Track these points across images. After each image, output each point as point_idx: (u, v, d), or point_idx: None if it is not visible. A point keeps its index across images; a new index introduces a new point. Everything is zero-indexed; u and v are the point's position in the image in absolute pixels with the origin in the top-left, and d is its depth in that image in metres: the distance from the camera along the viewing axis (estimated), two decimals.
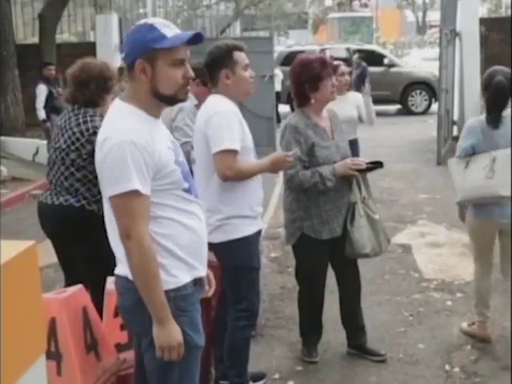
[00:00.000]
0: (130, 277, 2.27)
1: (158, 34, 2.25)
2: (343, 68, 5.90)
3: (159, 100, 2.32)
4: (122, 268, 2.33)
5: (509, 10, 19.10)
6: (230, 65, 3.38)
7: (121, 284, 2.37)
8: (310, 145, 3.74)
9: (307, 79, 3.75)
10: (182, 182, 2.33)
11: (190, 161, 3.29)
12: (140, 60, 2.25)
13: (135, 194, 2.18)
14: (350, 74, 5.96)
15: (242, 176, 3.35)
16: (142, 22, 2.31)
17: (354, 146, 5.51)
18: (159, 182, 2.26)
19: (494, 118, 3.97)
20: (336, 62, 5.06)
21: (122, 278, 2.35)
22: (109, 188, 2.22)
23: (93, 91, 3.73)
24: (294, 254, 4.07)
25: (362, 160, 3.87)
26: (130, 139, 2.18)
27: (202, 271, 2.44)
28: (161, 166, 2.25)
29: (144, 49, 2.25)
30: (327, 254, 3.97)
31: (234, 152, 3.26)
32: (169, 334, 2.24)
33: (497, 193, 3.89)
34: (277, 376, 3.99)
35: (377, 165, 3.87)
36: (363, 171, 3.84)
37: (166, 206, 2.29)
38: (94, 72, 3.74)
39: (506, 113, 3.98)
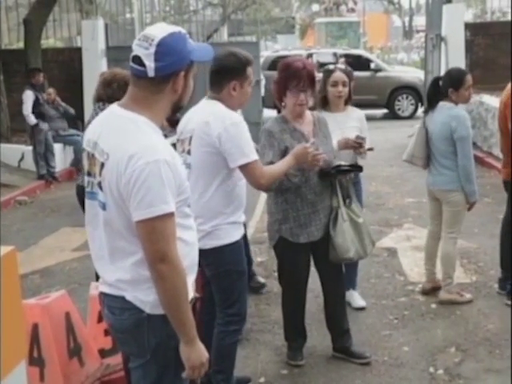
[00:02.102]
0: (127, 297, 2.20)
1: (191, 45, 2.20)
2: (337, 75, 4.54)
3: (173, 111, 2.28)
4: (114, 288, 2.24)
5: (494, 16, 19.23)
6: (241, 78, 3.36)
7: (113, 304, 2.26)
8: (283, 148, 3.74)
9: (280, 82, 3.81)
10: (189, 198, 2.28)
11: None
12: (183, 72, 2.18)
13: (170, 215, 2.09)
14: (350, 82, 4.61)
15: (274, 180, 3.46)
16: (175, 29, 2.19)
17: (355, 178, 4.48)
18: (176, 199, 2.15)
19: (427, 107, 5.04)
20: (331, 67, 4.73)
21: (115, 297, 2.24)
22: (140, 210, 2.06)
23: (114, 90, 4.42)
24: (275, 256, 4.09)
25: (341, 163, 3.87)
26: (163, 159, 2.08)
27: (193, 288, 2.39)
28: (181, 183, 2.18)
29: (187, 61, 2.18)
30: (306, 257, 3.98)
31: (258, 161, 3.31)
32: (199, 352, 2.20)
33: (403, 157, 5.10)
34: (262, 380, 3.99)
35: (355, 168, 3.87)
36: (342, 173, 3.85)
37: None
38: (119, 75, 4.53)
39: (441, 103, 4.80)
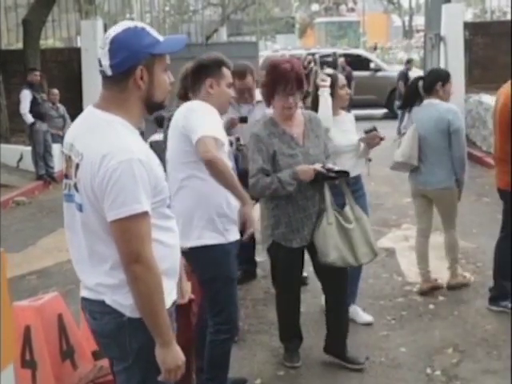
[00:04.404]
0: (107, 301, 2.18)
1: (153, 39, 2.18)
2: (342, 78, 4.54)
3: (148, 108, 2.25)
4: (93, 292, 2.22)
5: (494, 15, 19.20)
6: (216, 76, 3.41)
7: (94, 308, 2.25)
8: (271, 153, 3.69)
9: (267, 84, 3.74)
10: (167, 199, 2.25)
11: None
12: (141, 67, 2.15)
13: (144, 215, 2.07)
14: (350, 83, 4.86)
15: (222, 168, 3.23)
16: (130, 25, 2.18)
17: (356, 185, 4.43)
18: (152, 200, 2.13)
19: (410, 105, 5.12)
20: (330, 72, 4.61)
21: (95, 302, 2.22)
22: (114, 210, 2.05)
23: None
24: (269, 258, 4.07)
25: (330, 167, 3.70)
26: (137, 158, 2.06)
27: (176, 292, 2.37)
28: (157, 183, 2.15)
29: (144, 55, 2.14)
30: (300, 260, 3.93)
31: (214, 139, 3.23)
32: (174, 355, 2.17)
33: (394, 159, 5.10)
34: (258, 381, 3.97)
35: (341, 174, 3.74)
36: (329, 179, 3.72)
37: (152, 226, 2.14)
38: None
39: (427, 101, 4.93)
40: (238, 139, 4.97)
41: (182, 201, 3.31)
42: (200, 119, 3.27)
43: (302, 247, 3.82)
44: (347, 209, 3.83)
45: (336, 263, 3.73)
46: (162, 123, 8.57)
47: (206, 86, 3.40)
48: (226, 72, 3.46)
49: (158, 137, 8.42)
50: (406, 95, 5.25)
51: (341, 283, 3.99)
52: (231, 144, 4.73)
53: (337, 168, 3.75)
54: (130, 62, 2.14)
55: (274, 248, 3.87)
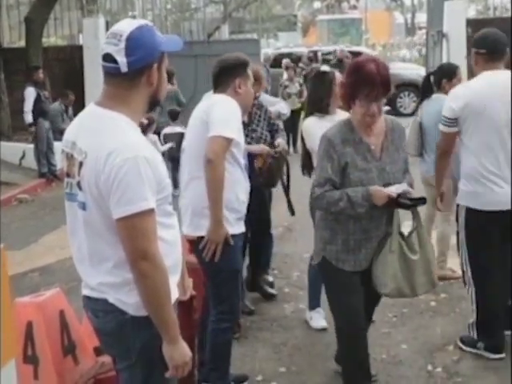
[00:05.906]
0: (110, 299, 2.18)
1: (159, 37, 2.20)
2: (339, 75, 4.27)
3: (150, 105, 2.26)
4: (96, 291, 2.23)
5: (496, 11, 19.17)
6: (243, 76, 3.50)
7: (96, 307, 2.26)
8: (343, 164, 3.16)
9: (349, 86, 3.21)
10: (170, 196, 2.26)
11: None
12: (156, 64, 2.17)
13: (150, 212, 2.08)
14: None
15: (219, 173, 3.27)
16: (142, 23, 2.19)
17: None
18: (156, 197, 2.13)
19: (421, 98, 5.52)
20: (326, 69, 4.50)
21: (97, 300, 2.23)
22: (120, 208, 2.05)
23: None
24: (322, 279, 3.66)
25: (406, 192, 3.18)
26: (142, 155, 2.07)
27: (178, 291, 2.37)
28: (161, 180, 2.16)
29: (157, 53, 2.18)
30: (356, 288, 3.32)
31: (227, 139, 3.28)
32: (182, 351, 2.19)
33: None
34: (260, 378, 3.98)
35: (418, 202, 3.25)
36: (404, 206, 3.20)
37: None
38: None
39: (435, 95, 5.24)
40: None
41: (194, 190, 3.39)
42: (222, 115, 3.32)
43: (355, 272, 3.29)
44: (413, 235, 3.34)
45: (391, 294, 3.32)
46: (175, 117, 8.78)
47: (236, 85, 3.47)
48: (250, 73, 3.57)
49: (170, 129, 8.66)
50: (422, 90, 5.54)
51: (374, 307, 3.72)
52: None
53: (414, 194, 3.23)
54: (147, 60, 2.16)
55: (322, 267, 3.38)
